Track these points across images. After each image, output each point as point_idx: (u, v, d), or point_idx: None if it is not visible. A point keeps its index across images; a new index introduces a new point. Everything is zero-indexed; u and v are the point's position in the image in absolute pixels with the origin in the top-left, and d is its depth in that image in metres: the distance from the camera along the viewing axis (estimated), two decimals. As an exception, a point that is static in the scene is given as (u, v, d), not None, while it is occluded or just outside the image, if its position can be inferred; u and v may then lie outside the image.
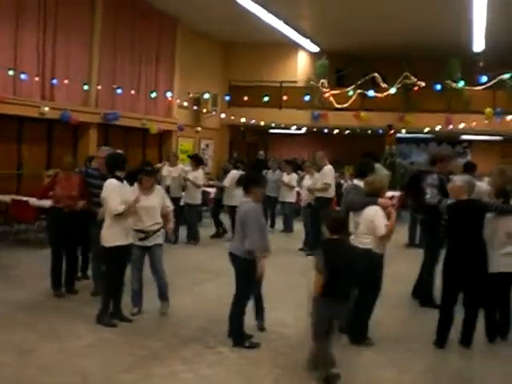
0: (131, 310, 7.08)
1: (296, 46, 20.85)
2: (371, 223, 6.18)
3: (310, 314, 5.54)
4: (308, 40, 19.78)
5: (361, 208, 6.41)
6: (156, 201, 7.11)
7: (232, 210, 12.78)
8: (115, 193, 6.57)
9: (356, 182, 7.09)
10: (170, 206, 7.39)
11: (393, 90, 16.93)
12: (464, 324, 6.42)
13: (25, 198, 11.04)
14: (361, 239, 6.31)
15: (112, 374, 5.40)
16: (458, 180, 6.59)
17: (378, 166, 14.44)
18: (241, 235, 6.13)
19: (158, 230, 7.11)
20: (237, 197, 12.64)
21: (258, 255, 6.00)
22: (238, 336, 6.20)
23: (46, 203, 9.54)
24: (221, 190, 13.18)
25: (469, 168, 8.58)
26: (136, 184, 7.11)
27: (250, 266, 6.04)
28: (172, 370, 5.52)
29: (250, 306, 6.49)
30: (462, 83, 16.32)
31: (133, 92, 15.74)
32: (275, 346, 6.27)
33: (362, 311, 6.37)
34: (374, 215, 6.19)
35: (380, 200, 6.34)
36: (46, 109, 12.74)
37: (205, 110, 19.15)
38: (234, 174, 12.69)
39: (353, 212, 6.67)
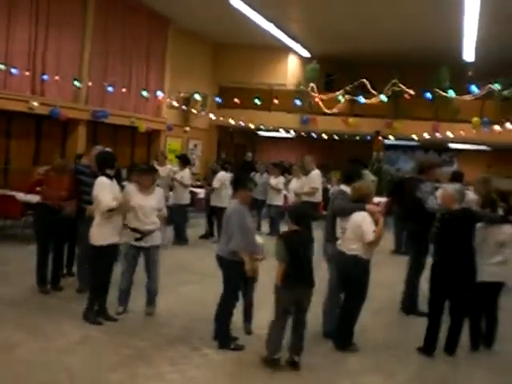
0: (116, 308, 7.06)
1: (287, 50, 20.90)
2: (358, 229, 6.18)
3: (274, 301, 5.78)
4: (298, 44, 19.84)
5: (348, 213, 6.40)
6: (154, 202, 7.08)
7: (220, 212, 12.80)
8: (106, 190, 6.58)
9: (343, 187, 7.01)
10: (164, 210, 7.38)
11: (384, 98, 16.99)
12: (449, 332, 6.47)
13: (12, 193, 10.96)
14: (348, 245, 6.32)
15: (98, 372, 5.39)
16: (450, 189, 6.66)
17: (365, 172, 14.60)
18: (226, 237, 6.17)
19: (154, 231, 7.07)
20: (224, 198, 12.69)
21: (242, 256, 6.00)
22: (224, 337, 6.21)
23: (33, 199, 9.53)
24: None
25: (457, 177, 8.64)
26: (132, 184, 7.12)
27: (237, 267, 6.05)
28: (159, 371, 5.52)
29: (238, 308, 6.49)
30: (451, 93, 16.42)
31: (124, 90, 15.70)
32: (262, 347, 6.21)
33: (348, 317, 6.40)
34: (362, 221, 6.20)
35: (368, 206, 6.34)
36: (36, 104, 12.66)
37: (194, 111, 19.13)
38: (223, 175, 12.70)
39: (340, 217, 6.67)
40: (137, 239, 6.98)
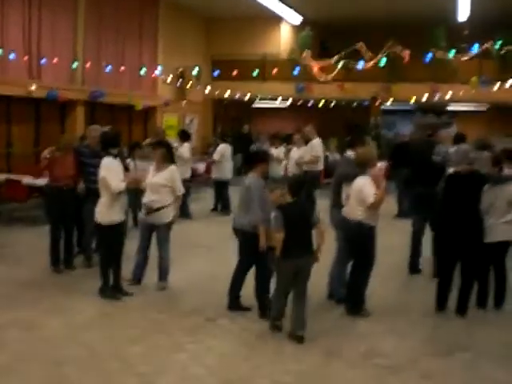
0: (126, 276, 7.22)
1: (278, 19, 20.66)
2: (360, 193, 6.26)
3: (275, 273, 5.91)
4: (291, 10, 19.63)
5: (352, 179, 6.48)
6: (161, 179, 7.12)
7: (220, 184, 12.91)
8: (113, 171, 6.67)
9: (348, 153, 7.11)
10: (178, 191, 7.27)
11: (383, 61, 16.86)
12: (460, 293, 6.59)
13: (17, 177, 11.03)
14: (352, 210, 6.40)
15: (118, 346, 5.54)
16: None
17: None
18: (245, 209, 6.28)
19: (159, 209, 7.11)
20: (225, 170, 12.80)
21: (260, 230, 6.06)
22: (234, 299, 6.51)
23: (38, 181, 9.60)
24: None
25: (460, 138, 8.70)
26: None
27: (254, 238, 6.11)
28: (177, 341, 5.67)
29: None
30: (452, 52, 16.30)
31: (122, 68, 15.61)
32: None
33: (357, 282, 6.50)
34: (363, 185, 6.28)
35: (370, 171, 6.40)
36: (33, 87, 12.63)
37: (189, 85, 19.04)
38: (223, 147, 12.79)
39: (345, 183, 6.73)
40: (145, 214, 7.16)
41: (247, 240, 6.29)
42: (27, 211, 11.36)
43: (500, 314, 6.81)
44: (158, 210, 7.10)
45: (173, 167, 7.27)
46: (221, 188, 12.95)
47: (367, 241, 6.40)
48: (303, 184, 6.00)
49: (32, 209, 11.24)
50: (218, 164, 12.75)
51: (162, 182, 7.11)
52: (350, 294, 6.57)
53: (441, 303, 6.68)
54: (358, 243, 6.39)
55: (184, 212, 12.26)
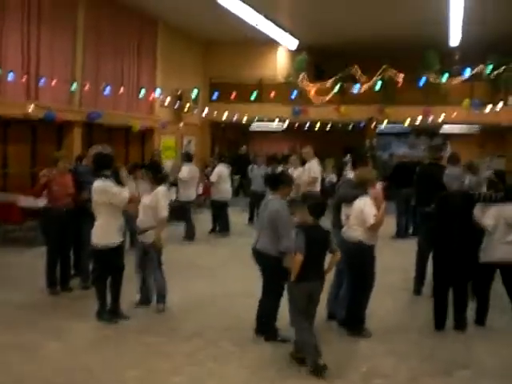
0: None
1: (275, 43, 20.88)
2: (361, 214, 6.27)
3: (288, 300, 5.75)
4: (287, 34, 19.83)
5: (352, 200, 6.49)
6: (147, 200, 7.19)
7: (219, 205, 12.90)
8: (114, 187, 6.67)
9: (350, 174, 7.20)
10: (162, 214, 7.16)
11: (378, 84, 17.12)
12: (455, 310, 6.69)
13: (12, 198, 11.00)
14: (352, 231, 6.41)
15: (118, 370, 5.47)
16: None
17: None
18: (271, 233, 6.07)
19: (146, 230, 7.15)
20: (224, 191, 12.83)
21: (290, 256, 5.78)
22: (272, 329, 6.26)
23: (35, 203, 9.55)
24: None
25: (454, 159, 8.76)
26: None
27: (280, 264, 5.97)
28: (177, 365, 5.60)
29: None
30: (445, 76, 16.55)
31: (122, 90, 15.69)
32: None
33: (357, 303, 6.49)
34: (364, 206, 6.28)
35: (370, 191, 6.42)
36: (31, 108, 12.64)
37: (187, 107, 19.15)
38: (220, 168, 12.83)
39: (344, 204, 6.76)
40: (138, 234, 7.27)
41: (273, 265, 6.07)
42: (23, 232, 11.27)
43: (499, 330, 6.81)
44: (146, 230, 7.14)
45: (159, 189, 7.27)
46: (220, 209, 12.95)
47: (367, 261, 6.42)
48: (325, 206, 5.83)
49: (28, 230, 11.16)
50: (216, 185, 12.77)
51: (147, 204, 7.16)
52: (351, 315, 6.54)
53: (439, 322, 6.71)
54: (358, 263, 6.37)
55: (188, 233, 12.21)
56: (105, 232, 6.69)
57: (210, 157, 20.40)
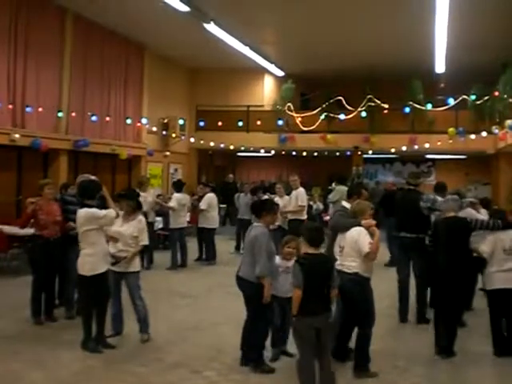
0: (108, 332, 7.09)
1: (262, 71, 21.06)
2: (355, 244, 6.09)
3: (292, 335, 5.60)
4: (273, 65, 20.06)
5: (345, 230, 6.36)
6: (130, 230, 7.15)
7: (207, 232, 12.90)
8: (99, 211, 6.71)
9: (344, 203, 7.15)
10: (143, 242, 7.25)
11: (363, 114, 17.32)
12: (447, 337, 6.68)
13: (-2, 227, 10.90)
14: (347, 263, 6.15)
15: (102, 401, 5.40)
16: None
17: (343, 187, 14.74)
18: (251, 260, 6.10)
19: (125, 258, 7.10)
20: (212, 219, 12.85)
21: (265, 281, 5.96)
22: (260, 357, 6.18)
23: (20, 232, 9.46)
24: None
25: (440, 188, 8.83)
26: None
27: (261, 290, 5.98)
28: (162, 395, 5.54)
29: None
30: (429, 105, 16.77)
31: (108, 119, 15.75)
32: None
33: (365, 340, 6.13)
34: (358, 235, 6.12)
35: (363, 221, 6.27)
36: (17, 136, 12.62)
37: (174, 135, 19.22)
38: (210, 197, 12.88)
39: (338, 234, 6.60)
40: (112, 264, 7.04)
41: (254, 291, 6.05)
42: (7, 262, 11.15)
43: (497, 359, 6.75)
44: (124, 259, 7.08)
45: (141, 217, 7.34)
46: (207, 237, 12.96)
47: (366, 294, 6.14)
48: (322, 232, 5.68)
49: (12, 259, 11.05)
50: (205, 213, 12.80)
51: (130, 234, 7.13)
52: (359, 355, 6.14)
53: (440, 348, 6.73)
54: (356, 298, 6.08)
55: (173, 261, 12.18)
56: (92, 261, 6.65)
57: (198, 184, 20.41)
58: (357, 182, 19.35)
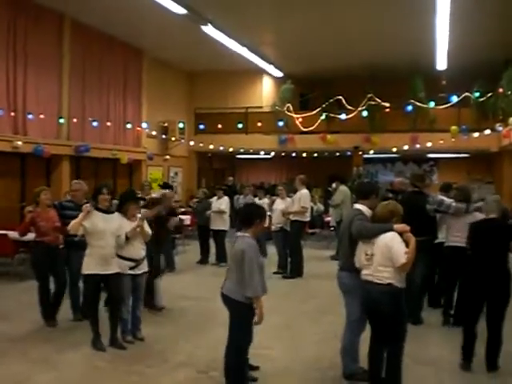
0: (126, 337, 7.15)
1: (260, 72, 21.12)
2: (389, 252, 5.37)
3: None
4: (271, 66, 20.10)
5: (374, 236, 5.55)
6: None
7: (221, 234, 13.22)
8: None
9: (358, 206, 6.01)
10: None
11: (364, 113, 17.28)
12: (488, 347, 6.29)
13: (3, 232, 10.97)
14: (378, 274, 5.44)
15: (111, 401, 5.46)
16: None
17: (344, 188, 14.73)
18: (238, 276, 5.28)
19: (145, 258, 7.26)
20: (226, 222, 13.32)
21: (258, 301, 5.25)
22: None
23: (26, 236, 9.51)
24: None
25: (447, 188, 8.85)
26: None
27: (249, 310, 5.30)
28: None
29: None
30: (431, 103, 16.69)
31: (108, 124, 15.86)
32: (264, 368, 6.25)
33: (397, 365, 5.48)
34: (392, 241, 5.39)
35: (396, 226, 5.50)
36: (19, 143, 12.71)
37: (173, 139, 19.32)
38: (227, 199, 13.43)
39: (363, 241, 5.68)
40: (131, 268, 7.09)
41: (239, 311, 5.36)
42: (13, 266, 11.22)
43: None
44: (144, 259, 7.31)
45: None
46: (221, 239, 13.27)
47: (399, 307, 5.43)
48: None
49: (18, 264, 11.13)
50: (223, 215, 13.23)
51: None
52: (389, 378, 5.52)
53: (467, 356, 6.33)
54: (390, 311, 5.38)
55: (169, 264, 12.23)
56: (86, 260, 6.82)
57: (197, 188, 20.49)
58: (367, 182, 19.39)
